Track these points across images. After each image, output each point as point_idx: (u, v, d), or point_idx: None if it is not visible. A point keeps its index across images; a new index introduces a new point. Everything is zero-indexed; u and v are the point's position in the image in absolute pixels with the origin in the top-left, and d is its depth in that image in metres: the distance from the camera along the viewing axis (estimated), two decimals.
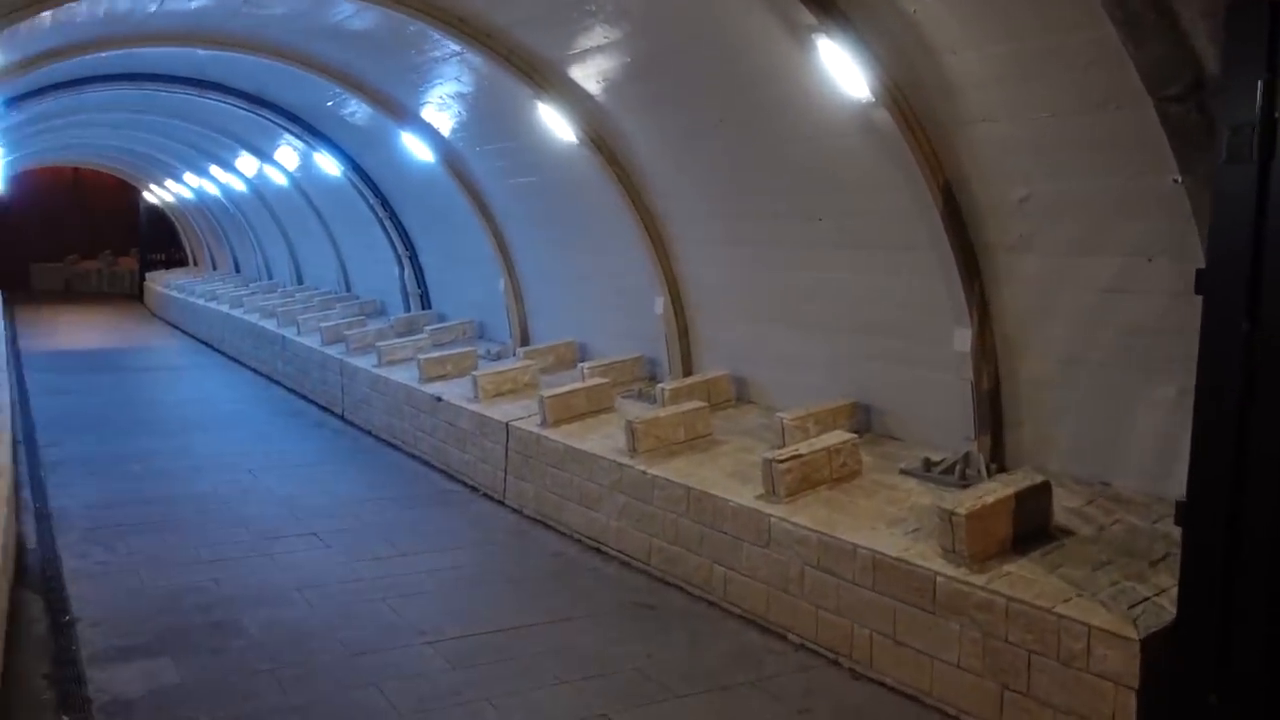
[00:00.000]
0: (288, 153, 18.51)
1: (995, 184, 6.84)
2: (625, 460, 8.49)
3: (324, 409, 15.32)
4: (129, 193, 37.08)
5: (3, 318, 26.89)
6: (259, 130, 17.73)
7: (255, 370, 19.31)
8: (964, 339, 7.30)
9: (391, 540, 8.92)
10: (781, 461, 7.16)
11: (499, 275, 13.75)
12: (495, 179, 12.87)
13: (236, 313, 21.47)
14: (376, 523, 9.48)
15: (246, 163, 21.31)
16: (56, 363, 20.30)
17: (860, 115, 7.19)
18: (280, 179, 20.03)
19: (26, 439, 12.77)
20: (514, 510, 9.93)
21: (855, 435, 7.78)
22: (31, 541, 8.68)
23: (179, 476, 11.08)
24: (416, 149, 13.34)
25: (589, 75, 9.46)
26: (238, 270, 28.95)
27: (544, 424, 9.79)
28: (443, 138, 12.89)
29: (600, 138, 10.04)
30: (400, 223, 16.55)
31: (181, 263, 36.86)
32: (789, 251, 9.01)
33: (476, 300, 15.16)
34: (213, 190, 26.11)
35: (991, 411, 7.35)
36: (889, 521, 6.64)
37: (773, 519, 6.97)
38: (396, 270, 17.06)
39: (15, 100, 13.83)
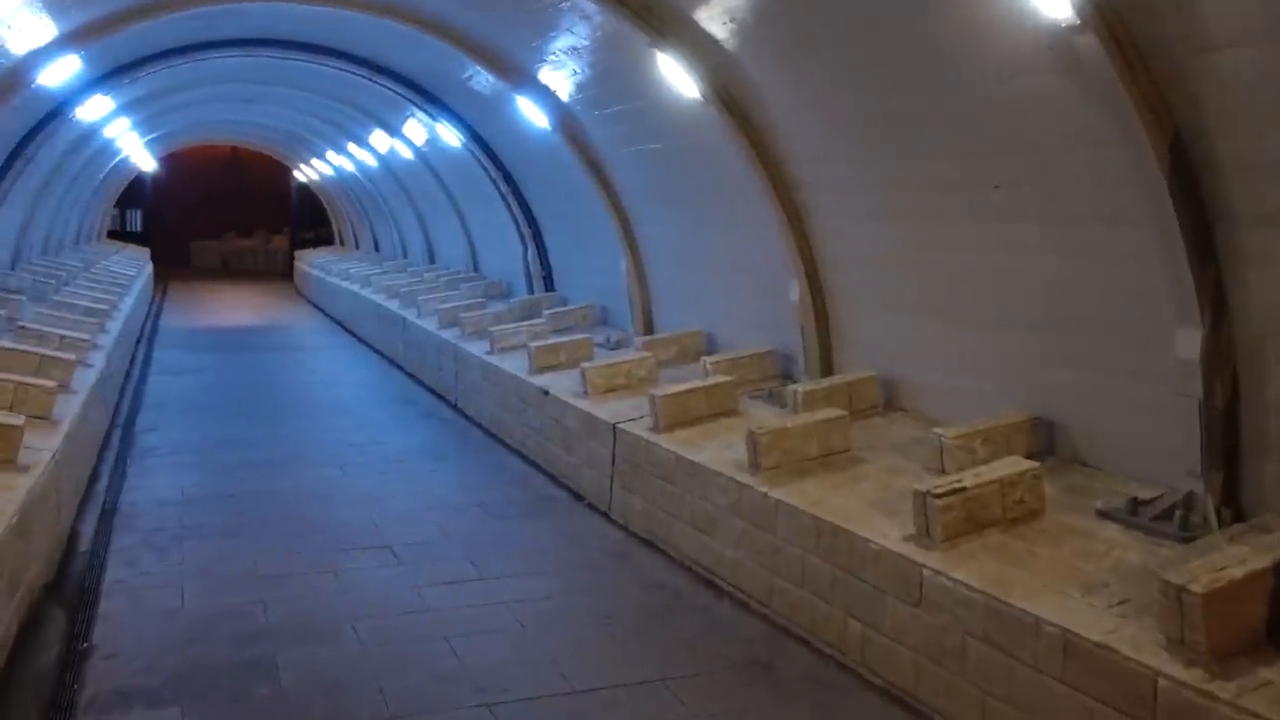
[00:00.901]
0: (415, 127, 17.66)
1: (1246, 133, 5.05)
2: (745, 478, 7.03)
3: (438, 396, 14.37)
4: (283, 171, 37.50)
5: (152, 295, 27.44)
6: (386, 103, 16.91)
7: (379, 353, 18.64)
8: (1190, 342, 5.52)
9: (474, 559, 7.71)
10: (940, 495, 5.57)
11: (621, 256, 12.42)
12: (615, 146, 11.53)
13: (365, 292, 20.90)
14: (462, 535, 8.30)
15: (379, 139, 20.65)
16: (189, 340, 20.14)
17: (1057, 45, 5.48)
18: (408, 153, 19.24)
19: (127, 422, 12.24)
20: (619, 526, 8.60)
21: (1035, 463, 6.08)
22: (86, 543, 7.87)
23: (266, 470, 10.20)
24: (533, 115, 12.12)
25: (714, 16, 7.98)
26: (377, 249, 28.67)
27: (655, 428, 8.41)
28: (559, 101, 11.62)
29: (728, 93, 8.54)
30: (524, 198, 15.43)
31: (329, 241, 37.10)
32: (955, 227, 7.33)
33: (599, 283, 13.90)
34: (350, 168, 25.73)
35: (1226, 439, 5.55)
36: (1084, 586, 4.97)
37: (926, 571, 5.40)
38: (521, 250, 15.97)
39: (122, 70, 13.26)
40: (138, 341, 19.16)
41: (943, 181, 7.23)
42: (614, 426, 8.86)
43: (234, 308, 26.91)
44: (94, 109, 14.67)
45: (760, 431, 7.06)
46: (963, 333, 7.53)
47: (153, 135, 24.18)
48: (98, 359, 11.25)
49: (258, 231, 41.59)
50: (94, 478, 9.68)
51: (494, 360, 12.22)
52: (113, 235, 34.96)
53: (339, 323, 23.34)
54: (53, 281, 15.33)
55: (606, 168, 11.94)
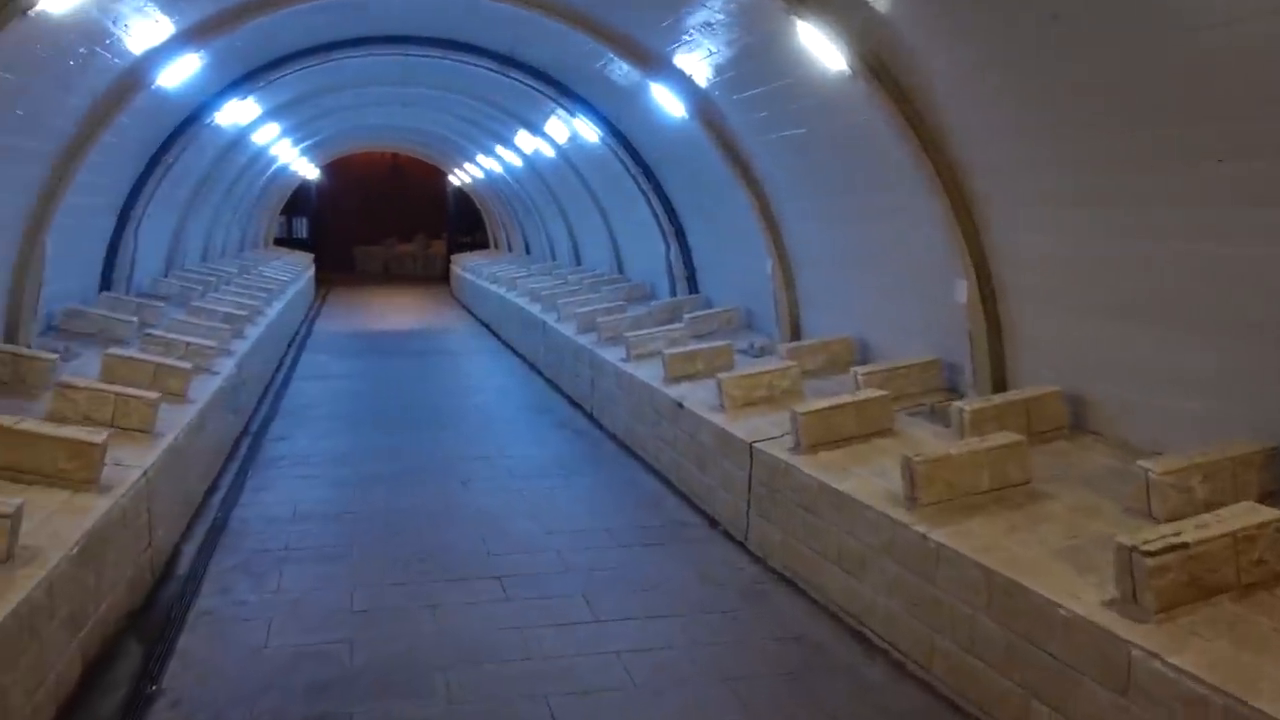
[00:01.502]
0: (557, 125, 17.07)
1: None
2: (900, 514, 5.92)
3: (574, 405, 13.66)
4: (439, 177, 37.94)
5: (312, 299, 27.98)
6: (525, 100, 16.35)
7: (522, 357, 18.15)
8: None
9: (591, 596, 6.85)
10: (1153, 553, 4.35)
11: (766, 255, 11.38)
12: (756, 134, 10.52)
13: (510, 295, 20.49)
14: (581, 566, 7.46)
15: (524, 139, 20.21)
16: (340, 345, 20.16)
17: None
18: (551, 152, 18.69)
19: (260, 429, 11.98)
20: (755, 559, 7.60)
21: (1278, 511, 4.75)
22: (186, 564, 7.41)
23: (386, 485, 9.64)
24: (669, 104, 11.23)
25: None
26: (528, 251, 28.42)
27: (796, 448, 7.37)
28: (696, 87, 10.68)
29: (879, 62, 7.42)
30: (665, 194, 14.58)
31: (485, 245, 37.28)
32: (1162, 212, 6.03)
33: (744, 284, 12.90)
34: (499, 170, 25.51)
35: None
36: None
37: (1136, 651, 4.20)
38: (663, 249, 15.12)
39: (256, 73, 13.09)
40: (290, 345, 19.30)
41: (1146, 155, 5.93)
42: (751, 446, 7.85)
43: (389, 312, 27.11)
44: (234, 115, 14.63)
45: (919, 459, 5.93)
46: (1175, 340, 6.19)
47: (308, 142, 24.57)
48: (226, 366, 10.97)
49: (417, 236, 42.33)
50: (213, 489, 9.34)
51: (629, 368, 11.38)
52: (280, 242, 36.03)
53: (486, 326, 23.10)
54: (199, 288, 15.41)
55: (748, 157, 10.94)
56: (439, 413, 13.22)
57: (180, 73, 10.01)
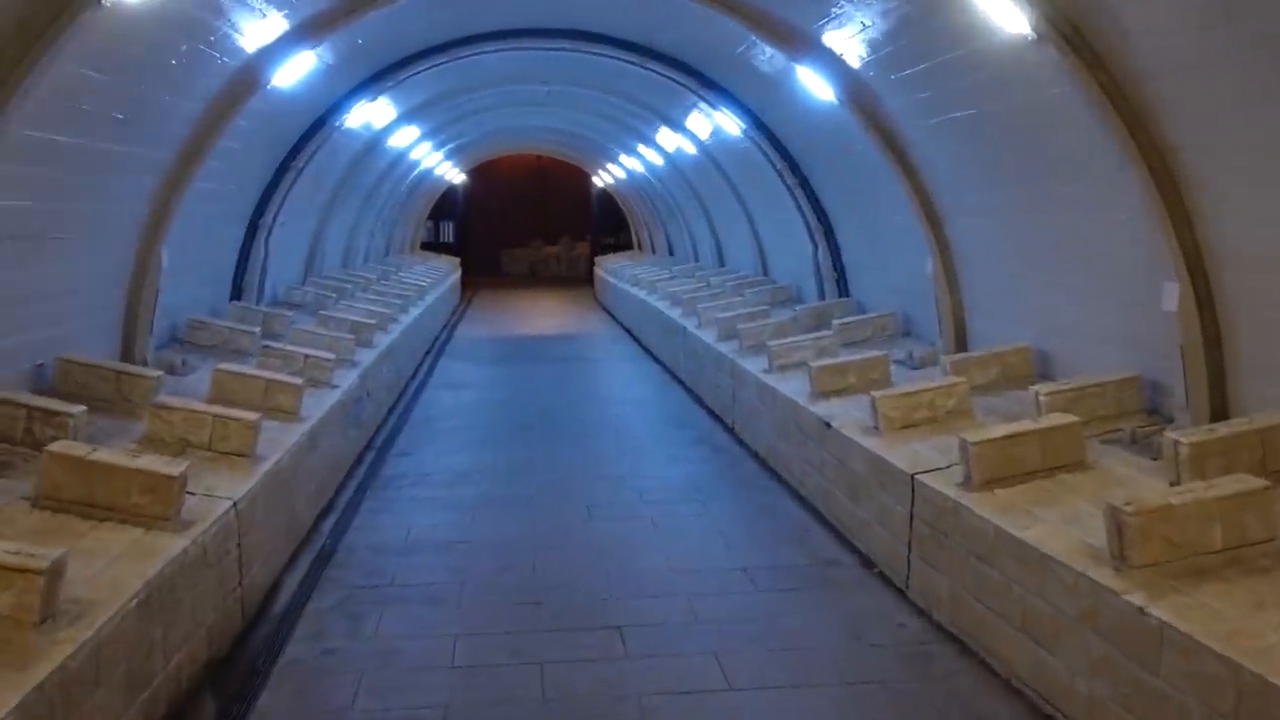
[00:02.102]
0: (698, 119, 16.18)
1: None
2: (1105, 577, 4.76)
3: (714, 418, 12.73)
4: (584, 178, 37.61)
5: (456, 304, 27.92)
6: (664, 94, 15.52)
7: (662, 364, 17.33)
8: None
9: (724, 656, 5.90)
10: None
11: (927, 253, 10.17)
12: (916, 117, 9.34)
13: (650, 299, 19.71)
14: (713, 615, 6.51)
15: (665, 136, 19.41)
16: (479, 351, 19.79)
17: None
18: (692, 149, 17.81)
19: (386, 441, 11.52)
20: (918, 611, 6.50)
21: None
22: (284, 600, 6.82)
23: (506, 510, 8.92)
24: (818, 89, 10.17)
25: None
26: (671, 252, 27.62)
27: (968, 483, 6.23)
28: (847, 68, 9.59)
29: (1069, 23, 6.20)
30: (812, 189, 13.48)
31: (629, 246, 36.73)
32: None
33: (901, 286, 11.70)
34: (640, 169, 24.80)
35: None
36: None
37: None
38: (810, 249, 14.00)
39: (384, 74, 12.65)
40: (428, 351, 19.03)
41: None
42: (912, 477, 6.74)
43: (531, 316, 26.77)
44: (366, 117, 14.29)
45: (1130, 511, 4.74)
46: None
47: (450, 146, 24.41)
48: (348, 379, 10.50)
49: (562, 239, 42.19)
50: (328, 510, 8.81)
51: (771, 380, 10.37)
52: (427, 246, 36.36)
53: (627, 330, 22.41)
54: (333, 295, 15.16)
55: (906, 144, 9.77)
56: (571, 425, 12.48)
57: (295, 71, 9.54)
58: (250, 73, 9.07)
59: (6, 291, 7.00)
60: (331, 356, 10.03)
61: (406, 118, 16.85)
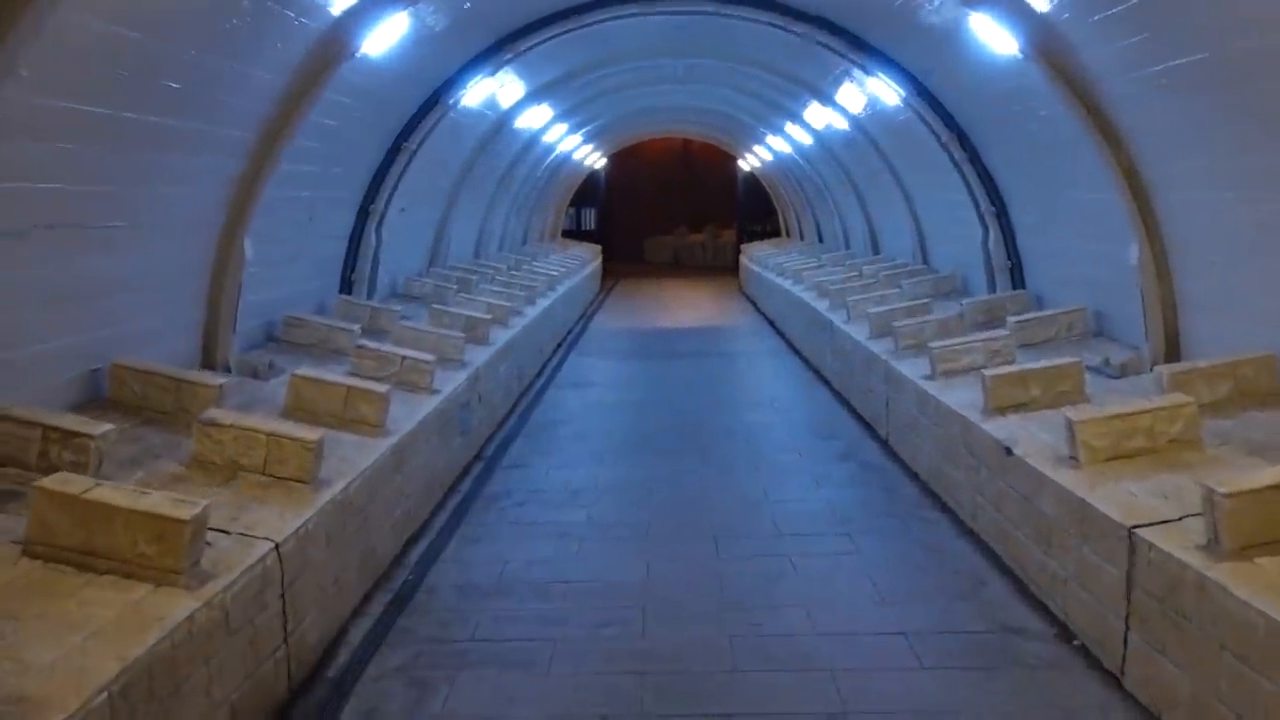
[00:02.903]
0: (850, 91, 14.55)
1: None
2: None
3: (865, 427, 11.19)
4: (730, 162, 36.13)
5: (593, 294, 26.93)
6: (815, 63, 13.97)
7: (807, 362, 15.81)
8: None
9: None
10: None
11: (1130, 238, 8.37)
12: (1123, 70, 7.56)
13: (795, 289, 18.18)
14: (869, 707, 5.06)
15: (815, 113, 17.80)
16: (614, 345, 18.67)
17: None
18: (844, 124, 16.15)
19: (498, 451, 10.47)
20: (1141, 709, 4.91)
21: None
22: (344, 657, 5.74)
23: (618, 542, 7.66)
24: (995, 41, 8.51)
25: None
26: (820, 239, 25.88)
27: (1215, 547, 4.62)
28: (1032, 12, 7.89)
29: None
30: (983, 166, 11.73)
31: (777, 232, 35.06)
32: None
33: (1090, 276, 9.89)
34: (788, 150, 23.19)
35: None
36: None
37: None
38: (979, 234, 12.23)
39: (502, 45, 11.55)
40: (559, 345, 18.03)
41: None
42: (1130, 532, 5.14)
43: (671, 307, 25.54)
44: (488, 94, 13.27)
45: None
46: None
47: (587, 128, 23.36)
48: (453, 382, 9.45)
49: (707, 225, 40.85)
50: (419, 535, 7.76)
51: (934, 389, 8.79)
52: (568, 234, 35.61)
53: (771, 323, 20.93)
54: (453, 288, 14.22)
55: (1107, 103, 7.99)
56: (702, 434, 11.14)
57: (388, 36, 8.47)
58: (336, 37, 8.04)
59: (44, 287, 6.12)
60: (430, 359, 8.97)
61: (535, 96, 15.79)
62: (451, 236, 16.23)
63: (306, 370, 7.65)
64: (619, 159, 36.56)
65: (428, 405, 8.54)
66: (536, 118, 17.73)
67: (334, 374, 7.85)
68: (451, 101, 11.92)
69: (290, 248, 9.95)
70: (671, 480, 9.28)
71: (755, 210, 36.35)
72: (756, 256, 26.12)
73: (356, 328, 9.92)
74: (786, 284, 19.33)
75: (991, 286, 12.11)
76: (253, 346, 9.43)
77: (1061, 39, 7.88)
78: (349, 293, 11.86)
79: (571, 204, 36.01)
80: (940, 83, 11.35)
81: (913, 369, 9.71)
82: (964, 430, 7.76)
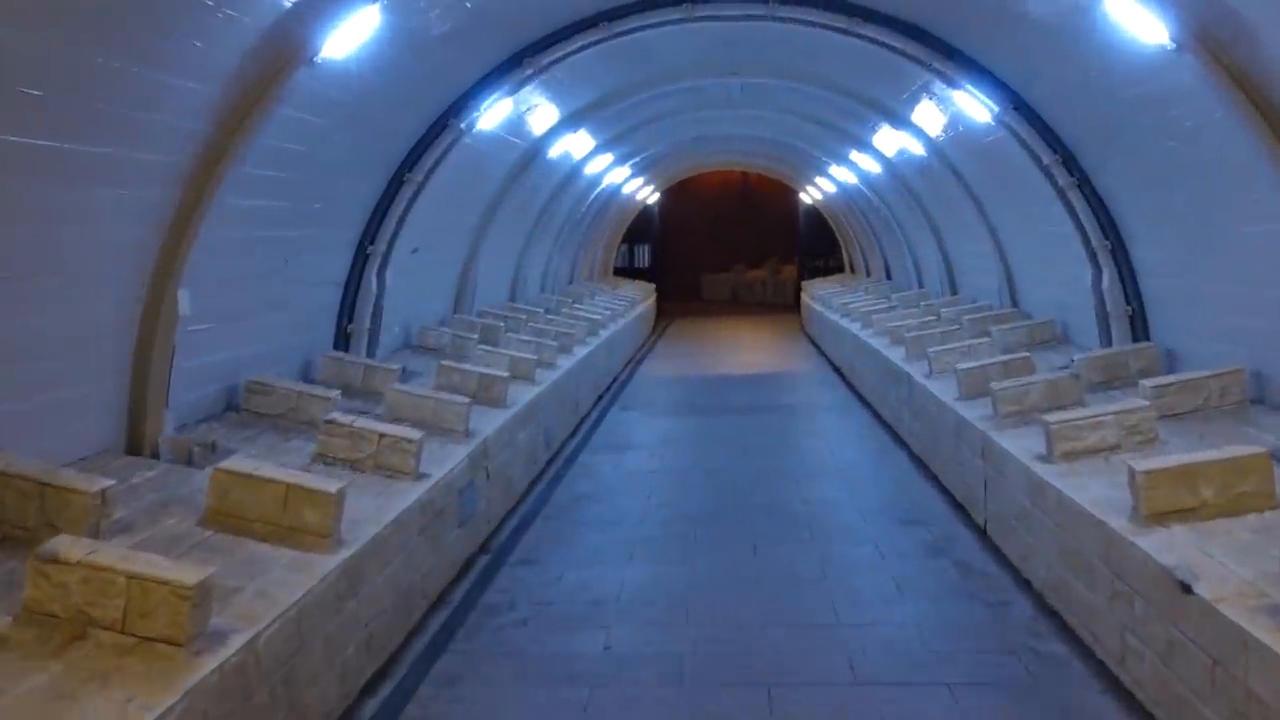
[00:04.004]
0: (928, 110, 12.67)
1: None
2: None
3: (956, 509, 9.21)
4: (790, 195, 34.24)
5: (644, 336, 25.14)
6: (886, 76, 12.15)
7: (879, 418, 13.83)
8: None
9: None
10: None
11: None
12: None
13: (864, 334, 16.22)
14: None
15: (885, 138, 15.94)
16: (662, 396, 16.86)
17: None
18: (919, 149, 14.23)
19: (508, 541, 8.69)
20: None
21: None
22: None
23: (641, 690, 5.79)
24: (1136, 26, 6.60)
25: None
26: (888, 276, 23.83)
27: None
28: None
29: None
30: (1094, 191, 9.75)
31: (840, 268, 33.05)
32: None
33: (1246, 328, 7.86)
34: (853, 180, 21.28)
35: None
36: None
37: None
38: (1087, 273, 10.20)
39: (523, 57, 9.91)
40: (600, 397, 16.25)
41: None
42: None
43: (727, 350, 23.64)
44: (509, 118, 11.60)
45: None
46: None
47: (635, 160, 21.70)
48: (449, 461, 7.71)
49: (767, 261, 38.95)
50: (383, 674, 5.97)
51: (1053, 476, 6.83)
52: (620, 272, 33.97)
53: (838, 370, 18.94)
54: (474, 337, 12.53)
55: None
56: (756, 516, 9.24)
57: (353, 37, 6.79)
58: (285, 38, 6.39)
59: None
60: (414, 436, 7.20)
61: (571, 123, 14.15)
62: (479, 278, 14.55)
63: (235, 462, 5.93)
64: (673, 193, 34.90)
65: (407, 497, 6.77)
66: (577, 147, 16.10)
67: (274, 466, 6.10)
68: (464, 125, 10.26)
69: (260, 297, 8.31)
70: (716, 590, 7.38)
71: (817, 245, 34.36)
72: (819, 295, 24.14)
73: (334, 394, 8.20)
74: (854, 328, 17.36)
75: (1105, 337, 10.07)
76: (207, 418, 7.77)
77: (1231, 20, 5.94)
78: (345, 348, 10.21)
79: (624, 240, 34.38)
80: (1044, 94, 9.44)
81: (1019, 444, 7.74)
82: (1106, 544, 5.78)
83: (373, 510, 6.39)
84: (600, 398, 16.37)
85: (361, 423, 7.30)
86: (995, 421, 8.59)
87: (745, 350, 23.50)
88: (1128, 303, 9.75)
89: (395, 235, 10.42)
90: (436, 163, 10.36)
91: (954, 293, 17.08)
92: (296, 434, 7.79)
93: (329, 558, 5.52)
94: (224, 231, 7.18)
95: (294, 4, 6.13)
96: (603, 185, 21.49)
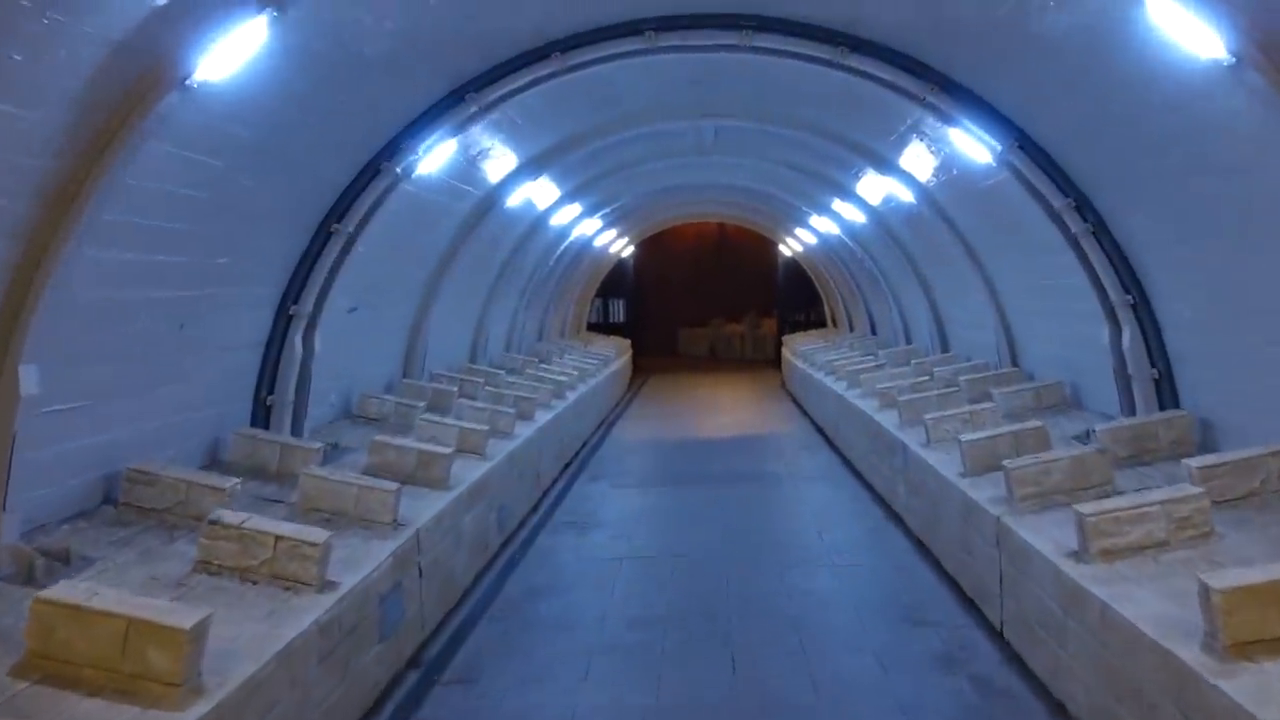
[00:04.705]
0: (917, 152, 11.63)
1: None
2: None
3: (966, 604, 7.99)
4: (769, 247, 33.28)
5: (617, 397, 23.87)
6: (872, 115, 11.14)
7: (872, 490, 12.60)
8: None
9: None
10: None
11: None
12: None
13: (850, 395, 15.04)
14: None
15: (870, 185, 14.93)
16: (631, 464, 15.58)
17: None
18: (907, 195, 13.17)
19: (443, 654, 7.36)
20: None
21: None
22: None
23: None
24: (1181, 33, 5.51)
25: None
26: (874, 332, 22.75)
27: None
28: None
29: None
30: (1112, 238, 8.66)
31: (820, 323, 31.99)
32: None
33: None
34: (835, 230, 20.24)
35: None
36: None
37: None
38: (1104, 331, 9.08)
39: (465, 90, 8.78)
40: (566, 465, 14.97)
41: None
42: None
43: (706, 409, 22.40)
44: (456, 163, 10.47)
45: None
46: None
47: (605, 210, 20.59)
48: (365, 566, 6.42)
49: (746, 315, 37.90)
50: None
51: (1092, 582, 5.62)
52: (595, 328, 32.80)
53: (822, 432, 17.72)
54: (421, 405, 11.27)
55: None
56: (734, 616, 7.96)
57: (235, 56, 5.59)
58: (144, 54, 5.20)
59: None
60: (320, 539, 5.92)
61: (531, 170, 13.02)
62: (431, 339, 13.31)
63: (61, 590, 4.62)
64: (648, 246, 33.89)
65: (304, 617, 5.48)
66: (539, 196, 15.00)
67: (114, 592, 4.80)
68: (401, 169, 9.11)
69: (147, 368, 7.05)
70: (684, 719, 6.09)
71: (797, 299, 33.38)
72: (801, 351, 23.00)
73: (229, 484, 6.88)
74: (839, 387, 16.19)
75: (1127, 403, 8.93)
76: (75, 516, 6.46)
77: None
78: (265, 423, 8.93)
79: (598, 295, 33.27)
80: (1054, 129, 8.38)
81: (1043, 535, 6.55)
82: (1177, 682, 4.55)
83: (256, 638, 5.10)
84: (567, 465, 15.09)
85: (254, 523, 6.01)
86: (1011, 506, 7.39)
87: (724, 410, 22.26)
88: (1153, 364, 8.62)
89: (325, 292, 9.19)
90: (371, 211, 9.18)
91: (945, 350, 15.97)
92: (185, 533, 6.49)
93: (178, 717, 4.22)
94: (91, 292, 5.98)
95: (151, 11, 4.94)
96: (572, 237, 20.37)
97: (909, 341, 18.54)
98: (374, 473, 8.54)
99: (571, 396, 16.32)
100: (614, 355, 24.65)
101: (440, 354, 14.12)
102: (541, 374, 16.57)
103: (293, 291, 8.88)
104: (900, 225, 15.49)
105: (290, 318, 8.96)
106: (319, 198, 8.67)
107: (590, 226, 21.36)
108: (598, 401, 19.81)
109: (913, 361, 15.74)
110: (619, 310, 35.78)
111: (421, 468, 8.72)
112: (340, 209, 8.90)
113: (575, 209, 17.97)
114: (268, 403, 8.95)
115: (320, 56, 6.77)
